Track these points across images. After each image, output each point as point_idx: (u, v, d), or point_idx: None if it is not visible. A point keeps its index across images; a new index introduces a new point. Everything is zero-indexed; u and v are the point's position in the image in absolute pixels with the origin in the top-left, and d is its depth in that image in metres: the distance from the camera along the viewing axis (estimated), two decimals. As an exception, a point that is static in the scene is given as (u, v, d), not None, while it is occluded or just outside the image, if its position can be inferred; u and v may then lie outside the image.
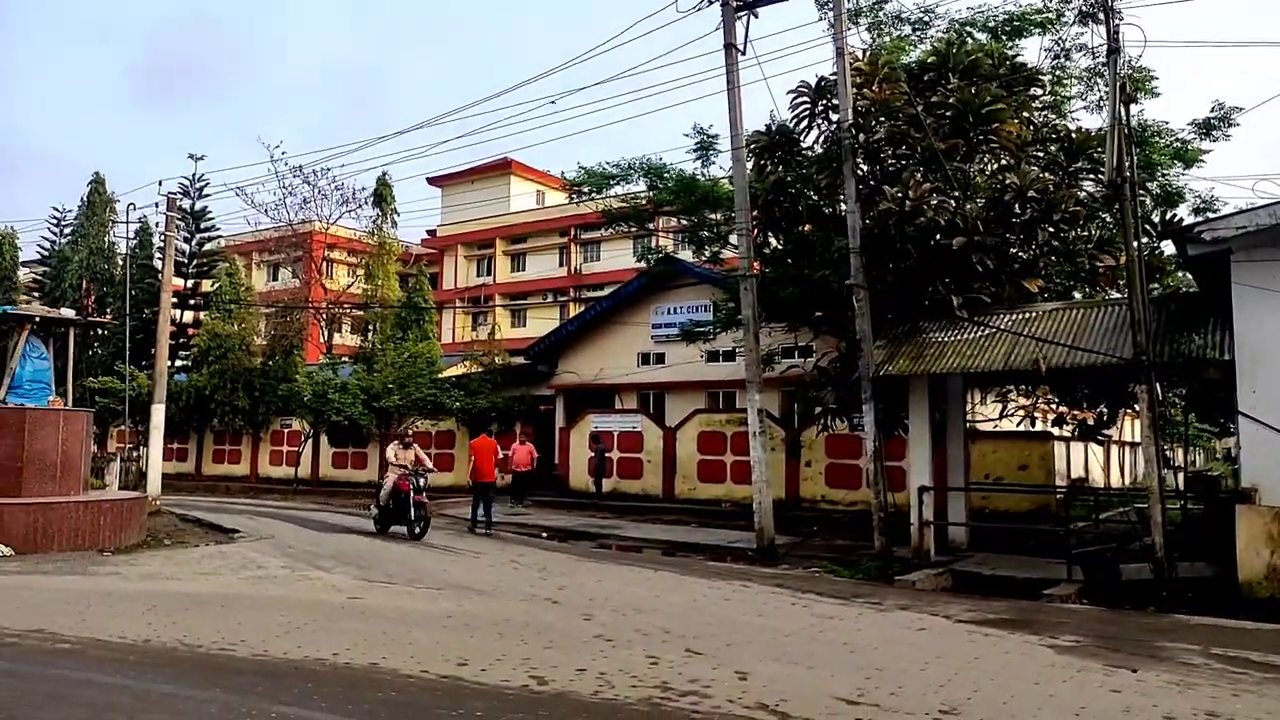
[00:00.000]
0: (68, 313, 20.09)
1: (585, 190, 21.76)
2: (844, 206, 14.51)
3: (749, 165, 15.86)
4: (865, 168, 15.10)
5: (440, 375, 27.47)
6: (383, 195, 31.99)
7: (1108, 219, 15.56)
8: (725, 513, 20.27)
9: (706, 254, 21.13)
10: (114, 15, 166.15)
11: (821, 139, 15.56)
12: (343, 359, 31.36)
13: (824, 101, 15.14)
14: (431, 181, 50.48)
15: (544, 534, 17.50)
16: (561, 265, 49.25)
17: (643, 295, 25.38)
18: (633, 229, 24.85)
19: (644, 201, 21.63)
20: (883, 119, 14.72)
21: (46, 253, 38.77)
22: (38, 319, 16.73)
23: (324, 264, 38.21)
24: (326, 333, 33.67)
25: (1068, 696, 6.54)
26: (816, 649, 7.96)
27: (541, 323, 42.82)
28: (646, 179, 20.98)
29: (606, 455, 23.84)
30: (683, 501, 22.29)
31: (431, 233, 52.84)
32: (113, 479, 21.58)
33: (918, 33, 17.66)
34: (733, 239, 17.69)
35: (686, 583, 11.75)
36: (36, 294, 36.83)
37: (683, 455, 23.04)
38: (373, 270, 31.95)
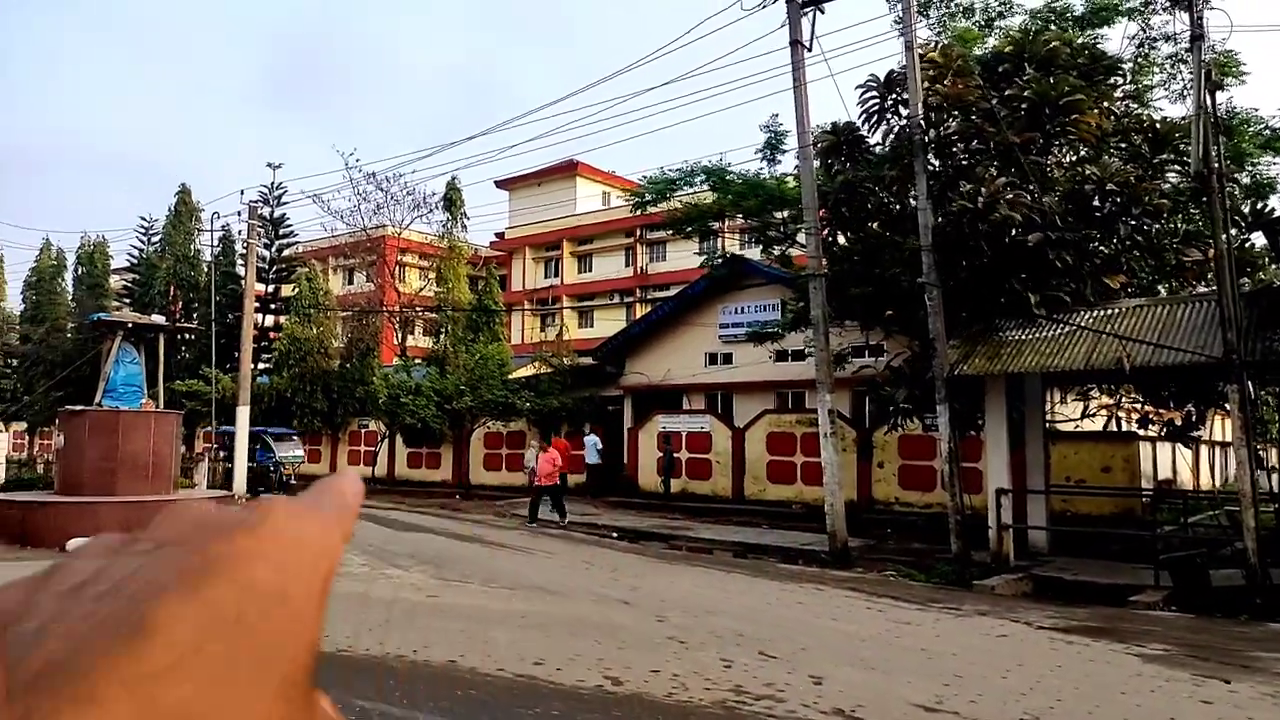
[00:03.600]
0: (158, 319, 20.99)
1: (647, 200, 21.89)
2: (915, 203, 14.28)
3: (816, 163, 15.72)
4: (936, 163, 14.83)
5: (510, 376, 27.83)
6: (452, 199, 32.54)
7: (1194, 211, 14.99)
8: (796, 515, 20.10)
9: (774, 253, 21.00)
10: (223, 26, 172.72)
11: (890, 135, 15.34)
12: (416, 361, 32.00)
13: (893, 96, 14.92)
14: (499, 185, 51.20)
15: (614, 534, 17.61)
16: (628, 265, 49.45)
17: (709, 295, 25.34)
18: (695, 230, 24.81)
19: (708, 204, 21.62)
20: (955, 113, 14.44)
21: (136, 260, 40.42)
22: (130, 325, 17.50)
23: (397, 268, 39.04)
24: (400, 335, 34.40)
25: (1155, 707, 6.34)
26: (893, 654, 7.86)
27: (609, 323, 43.06)
28: (710, 181, 20.96)
29: (675, 456, 23.87)
30: (752, 503, 22.18)
31: (500, 235, 53.57)
32: (201, 478, 22.43)
33: (989, 26, 17.27)
34: (800, 238, 17.56)
35: (759, 585, 11.71)
36: (127, 301, 38.45)
37: (752, 456, 22.93)
38: (444, 273, 32.51)
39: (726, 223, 25.64)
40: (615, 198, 49.08)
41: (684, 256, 41.88)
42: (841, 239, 17.34)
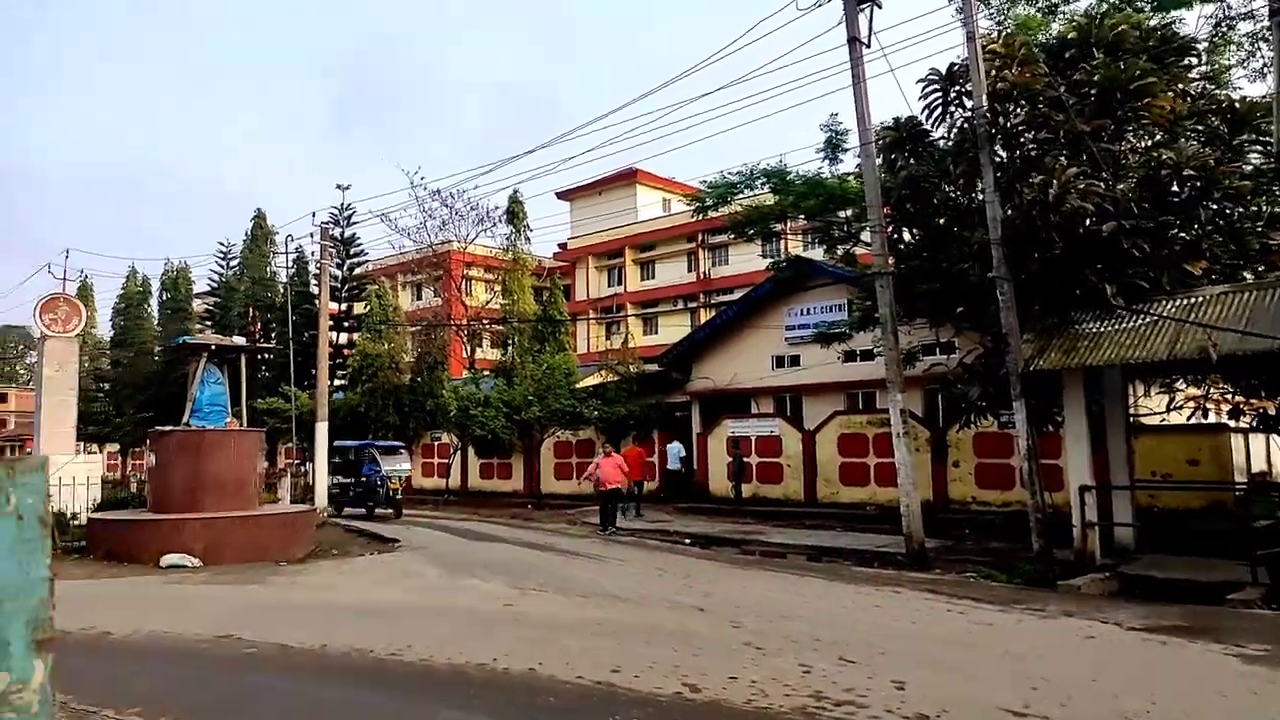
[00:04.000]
0: (239, 340, 21.72)
1: (708, 205, 21.88)
2: (982, 196, 13.98)
3: (879, 160, 15.52)
4: (1003, 155, 14.50)
5: (577, 385, 28.07)
6: (515, 213, 33.04)
7: (1279, 192, 14.36)
8: (870, 516, 19.83)
9: (838, 253, 20.79)
10: (288, 50, 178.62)
11: (954, 128, 15.06)
12: (484, 373, 32.53)
13: (956, 88, 14.64)
14: (560, 196, 51.82)
15: (686, 540, 17.61)
16: (690, 271, 49.47)
17: (774, 298, 25.20)
18: (758, 233, 24.69)
19: (770, 206, 21.51)
20: (1021, 103, 14.11)
21: (216, 284, 41.98)
22: (213, 347, 18.15)
23: (463, 282, 39.76)
24: (468, 348, 35.03)
25: (1257, 711, 6.10)
26: (976, 657, 7.71)
27: (673, 329, 43.14)
28: (770, 183, 20.87)
29: (745, 460, 23.77)
30: (825, 505, 21.95)
31: (563, 246, 54.16)
32: (284, 493, 23.11)
33: (1053, 12, 16.85)
34: (865, 236, 17.34)
35: (835, 589, 11.59)
36: (208, 323, 39.91)
37: (823, 458, 22.70)
38: (509, 285, 33.02)
39: (789, 224, 25.51)
40: (676, 204, 49.15)
41: (747, 260, 41.73)
42: (907, 236, 17.07)
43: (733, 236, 30.64)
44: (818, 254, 24.44)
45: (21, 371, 79.13)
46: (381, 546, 17.43)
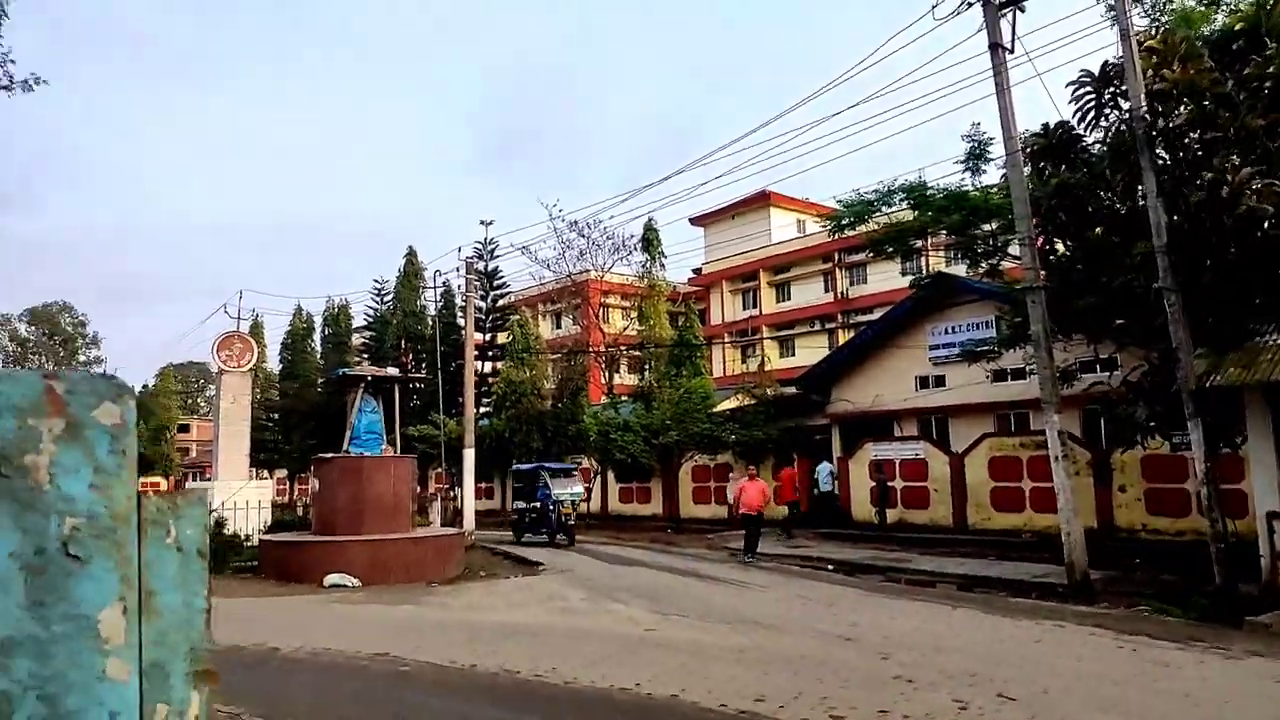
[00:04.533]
0: (391, 371, 22.89)
1: (844, 224, 21.44)
2: (1143, 203, 13.11)
3: (1026, 169, 14.83)
4: (1165, 157, 13.57)
5: (714, 409, 28.01)
6: (650, 240, 33.46)
7: None
8: (1025, 544, 18.77)
9: (983, 268, 19.94)
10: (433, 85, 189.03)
11: (1109, 132, 14.21)
12: (623, 398, 32.94)
13: (1110, 89, 13.83)
14: (694, 222, 52.08)
15: (829, 567, 17.18)
16: (827, 291, 48.62)
17: (916, 316, 24.41)
18: (897, 251, 23.98)
19: (909, 223, 20.89)
20: (1184, 101, 13.18)
21: (372, 319, 44.46)
22: (368, 378, 19.16)
23: (601, 309, 40.51)
24: (607, 374, 35.59)
25: None
26: (1151, 699, 7.14)
27: (810, 351, 42.46)
28: (909, 199, 20.27)
29: (889, 484, 23.03)
30: (976, 532, 20.95)
31: (697, 271, 54.37)
32: (435, 517, 24.06)
33: (1215, 4, 15.71)
34: (1013, 249, 16.57)
35: (990, 621, 11.01)
36: (365, 356, 42.25)
37: (973, 482, 21.70)
38: (645, 311, 33.40)
39: (930, 240, 24.70)
40: (810, 224, 48.56)
41: (886, 278, 40.68)
42: (1060, 247, 16.19)
43: (871, 255, 29.95)
44: (961, 270, 23.52)
45: (202, 404, 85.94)
46: (527, 569, 17.83)
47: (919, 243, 23.99)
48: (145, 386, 75.44)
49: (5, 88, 26.88)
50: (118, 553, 0.93)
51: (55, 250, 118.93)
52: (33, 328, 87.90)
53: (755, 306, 51.77)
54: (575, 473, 24.43)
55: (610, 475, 32.18)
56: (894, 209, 21.68)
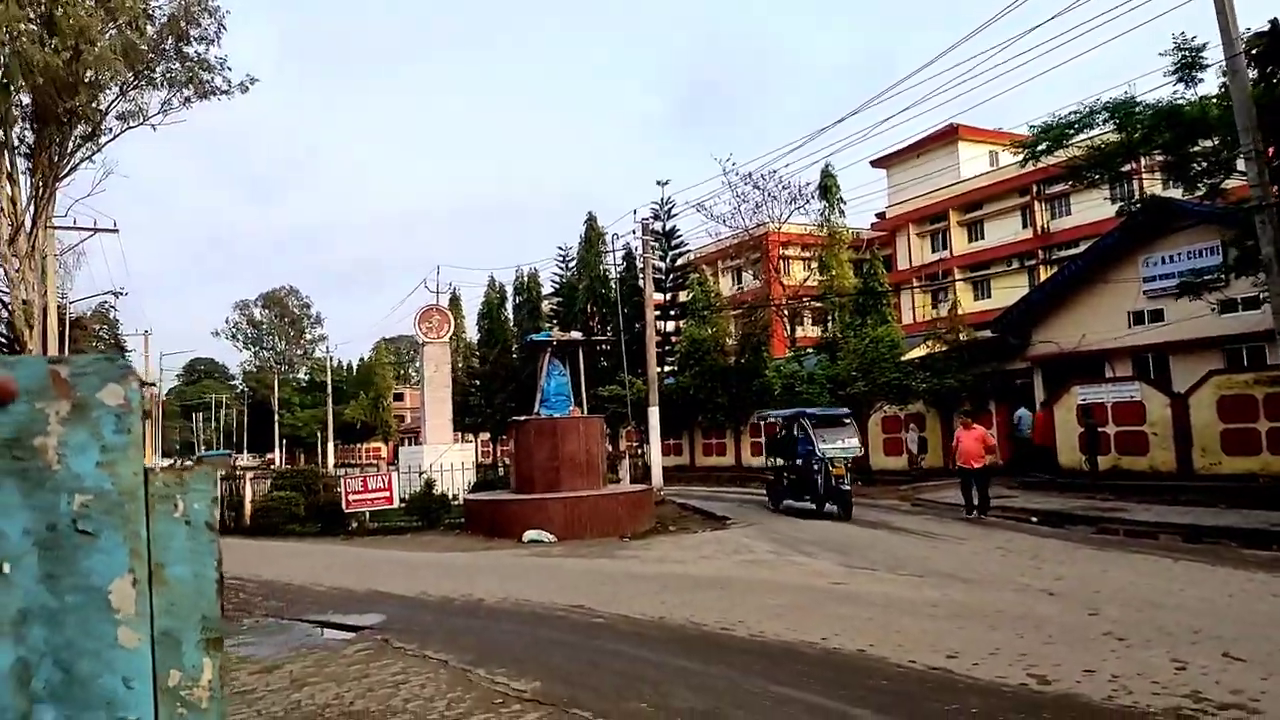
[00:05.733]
0: (576, 335, 23.65)
1: (1039, 151, 19.78)
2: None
3: (1252, 73, 13.17)
4: None
5: (903, 358, 27.05)
6: (828, 187, 32.50)
7: None
8: (1261, 490, 16.96)
9: (1202, 189, 17.94)
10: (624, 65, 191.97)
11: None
12: (807, 350, 32.45)
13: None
14: (875, 164, 49.96)
15: (1033, 518, 16.28)
16: (1025, 227, 45.44)
17: (1127, 246, 22.36)
18: (1103, 176, 21.95)
19: (1113, 145, 19.05)
20: None
21: (559, 285, 46.05)
22: (554, 342, 19.95)
23: (780, 262, 39.91)
24: (789, 327, 35.12)
25: None
26: None
27: (1008, 292, 39.99)
28: (1113, 118, 18.48)
29: (1099, 430, 21.42)
30: (1202, 478, 19.11)
31: (881, 215, 52.28)
32: (624, 474, 24.79)
33: None
34: (1238, 165, 14.81)
35: (1218, 575, 10.07)
36: (555, 321, 43.92)
37: (1198, 424, 19.77)
38: (826, 261, 32.59)
39: (1140, 162, 22.47)
40: (1004, 156, 45.40)
41: (1092, 207, 37.48)
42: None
43: (1072, 184, 27.68)
44: (1177, 193, 21.29)
45: (412, 374, 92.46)
46: (715, 523, 18.06)
47: (1128, 166, 21.88)
48: (362, 359, 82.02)
49: (225, 91, 29.52)
50: (125, 527, 1.00)
51: (285, 238, 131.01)
52: (266, 310, 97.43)
53: (945, 248, 49.21)
54: (848, 421, 18.90)
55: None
56: (1096, 131, 19.85)
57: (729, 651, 7.38)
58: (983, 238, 47.93)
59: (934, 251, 49.98)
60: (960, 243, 48.74)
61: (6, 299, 30.05)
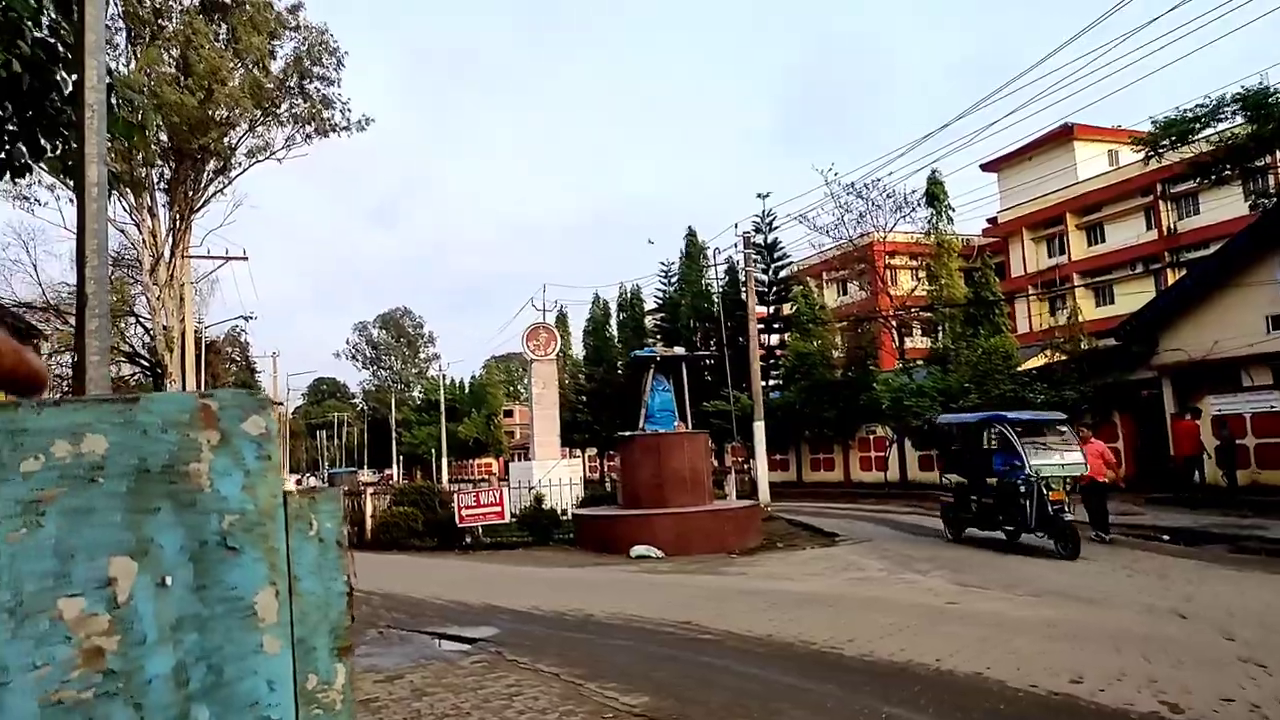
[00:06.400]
0: (679, 350, 23.75)
1: (1162, 147, 18.86)
2: None
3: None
4: None
5: (1020, 369, 26.10)
6: (934, 194, 31.72)
7: None
8: None
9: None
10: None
11: None
12: (916, 363, 31.69)
13: None
14: (985, 168, 48.48)
15: (1162, 536, 15.43)
16: (1149, 229, 43.24)
17: (1262, 246, 20.97)
18: (1234, 172, 20.73)
19: (1244, 138, 18.00)
20: None
21: (661, 300, 46.37)
22: (658, 358, 20.10)
23: (886, 272, 39.14)
24: (897, 338, 34.37)
25: None
26: None
27: (1132, 298, 38.07)
28: (1244, 110, 17.47)
29: (1236, 442, 20.16)
30: (1357, 494, 17.77)
31: (992, 221, 50.65)
32: (730, 490, 24.70)
33: None
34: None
35: (1371, 598, 9.35)
36: (659, 337, 44.19)
37: (1348, 436, 18.41)
38: (934, 270, 31.79)
39: (1278, 155, 21.15)
40: (1125, 154, 43.37)
41: (1223, 205, 35.38)
42: None
43: (1200, 181, 26.23)
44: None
45: (521, 391, 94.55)
46: (823, 540, 17.81)
47: (1263, 159, 20.63)
48: (474, 377, 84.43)
49: (344, 128, 30.90)
50: (265, 544, 1.13)
51: (399, 261, 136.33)
52: (383, 331, 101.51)
53: (1062, 253, 47.28)
54: (1064, 428, 14.90)
55: (908, 444, 31.14)
56: (1225, 125, 18.82)
57: (839, 670, 7.29)
58: (1103, 241, 45.84)
59: (1050, 257, 48.09)
60: (1079, 247, 46.75)
61: (149, 325, 32.39)
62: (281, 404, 52.88)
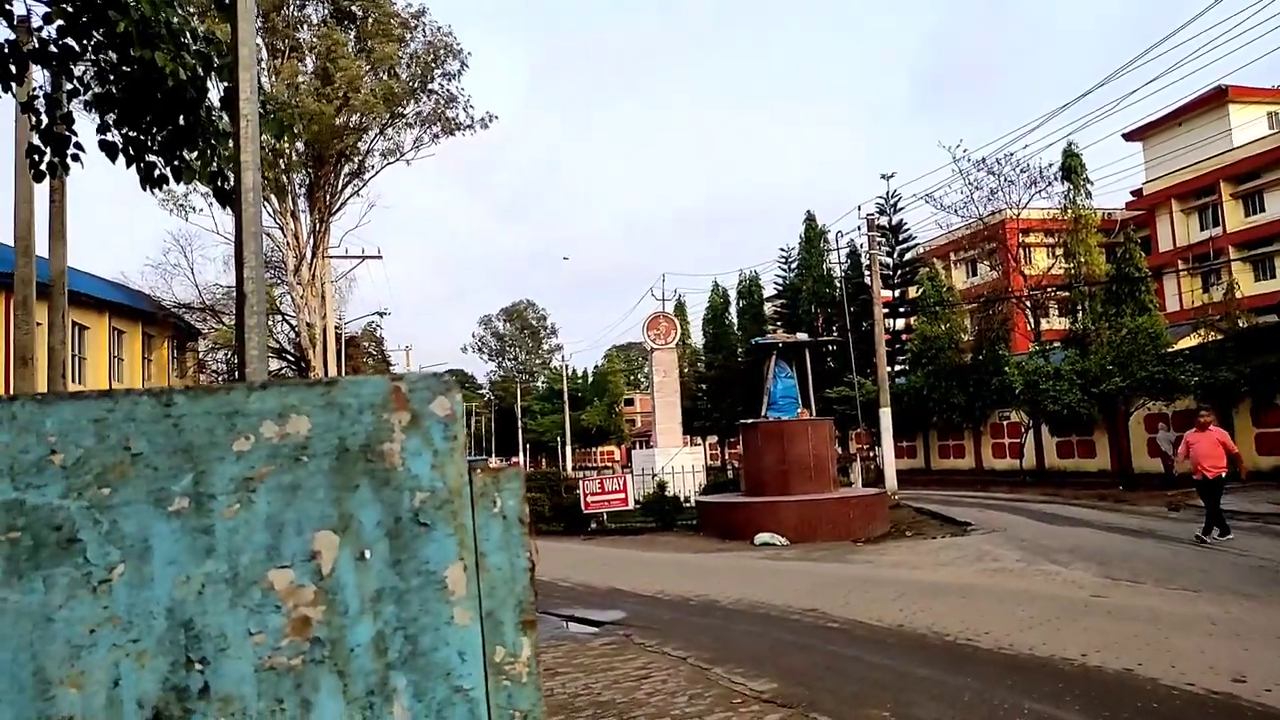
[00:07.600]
0: (801, 336, 23.49)
1: None
2: None
3: None
4: None
5: (1169, 349, 24.53)
6: (1071, 167, 30.03)
7: None
8: None
9: None
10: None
11: None
12: (1053, 344, 30.22)
13: None
14: (1128, 137, 45.55)
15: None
16: (1317, 195, 39.80)
17: None
18: None
19: None
20: None
21: (781, 287, 45.83)
22: (779, 345, 19.93)
23: (1019, 250, 37.41)
24: (1032, 319, 32.85)
25: None
26: None
27: (1297, 270, 35.22)
28: None
29: None
30: None
31: (1137, 192, 47.62)
32: (855, 477, 24.27)
33: None
34: None
35: None
36: (779, 323, 43.71)
37: None
38: (1071, 247, 30.17)
39: None
40: (1286, 116, 40.05)
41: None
42: None
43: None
44: None
45: (642, 379, 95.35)
46: (953, 528, 17.27)
47: None
48: (596, 366, 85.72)
49: (468, 126, 31.86)
50: (454, 520, 1.20)
51: (523, 253, 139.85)
52: (508, 324, 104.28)
53: (1216, 225, 44.04)
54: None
55: (1044, 429, 29.78)
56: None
57: (975, 663, 7.09)
58: (1262, 210, 42.46)
59: (1203, 229, 44.87)
60: (1235, 218, 43.45)
61: (294, 321, 34.37)
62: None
